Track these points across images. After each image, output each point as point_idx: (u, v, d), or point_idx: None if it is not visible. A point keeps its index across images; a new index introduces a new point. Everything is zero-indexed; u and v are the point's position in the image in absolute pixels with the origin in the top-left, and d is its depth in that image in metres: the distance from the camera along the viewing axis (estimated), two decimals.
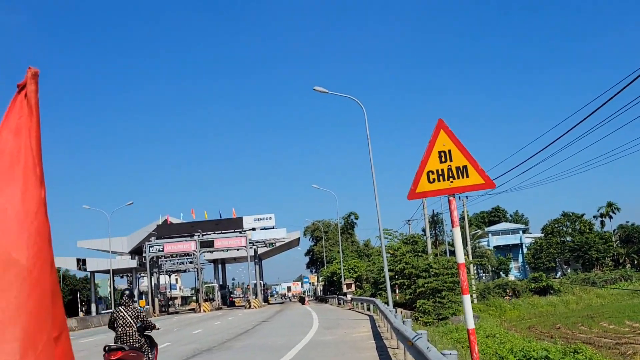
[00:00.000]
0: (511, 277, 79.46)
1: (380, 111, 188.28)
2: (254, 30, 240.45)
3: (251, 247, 72.42)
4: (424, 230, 68.05)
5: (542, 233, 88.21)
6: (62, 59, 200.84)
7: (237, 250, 74.57)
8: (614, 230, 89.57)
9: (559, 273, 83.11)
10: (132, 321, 9.92)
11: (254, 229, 72.79)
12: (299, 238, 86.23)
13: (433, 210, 50.61)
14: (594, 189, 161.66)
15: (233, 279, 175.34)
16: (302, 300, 73.27)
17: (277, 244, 77.27)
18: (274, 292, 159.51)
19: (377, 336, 19.60)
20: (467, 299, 7.19)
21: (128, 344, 9.80)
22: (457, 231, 7.24)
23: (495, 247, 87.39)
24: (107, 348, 9.74)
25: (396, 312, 19.31)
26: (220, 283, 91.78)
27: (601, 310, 48.63)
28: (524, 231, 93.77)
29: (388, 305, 25.11)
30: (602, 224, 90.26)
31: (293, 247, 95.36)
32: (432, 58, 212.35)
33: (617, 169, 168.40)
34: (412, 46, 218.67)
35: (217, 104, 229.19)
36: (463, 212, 62.08)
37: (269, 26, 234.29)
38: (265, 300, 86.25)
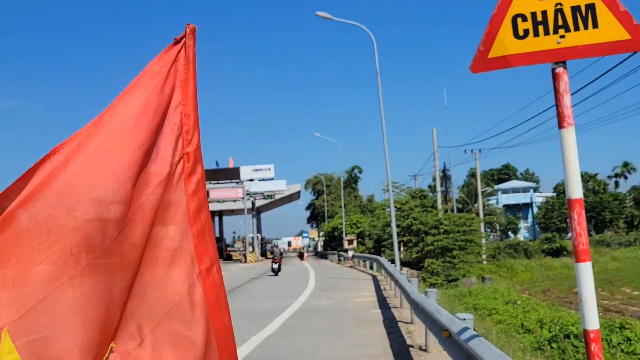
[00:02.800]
0: (520, 237, 76.12)
1: (393, 51, 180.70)
2: None
3: (248, 199, 68.89)
4: (430, 187, 64.53)
5: (554, 192, 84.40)
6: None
7: (234, 202, 70.99)
8: (628, 192, 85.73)
9: (570, 234, 79.50)
10: (277, 250, 37.67)
11: (251, 180, 69.06)
12: (299, 191, 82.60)
13: (444, 163, 46.73)
14: (608, 148, 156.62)
15: (234, 232, 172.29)
16: (300, 256, 70.13)
17: (277, 197, 73.52)
18: (274, 247, 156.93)
19: (383, 303, 16.11)
20: (585, 268, 3.54)
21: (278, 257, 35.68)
22: (570, 134, 3.54)
23: (504, 205, 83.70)
24: (272, 259, 35.80)
25: (406, 274, 15.77)
26: (217, 235, 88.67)
27: (619, 275, 45.24)
28: (535, 190, 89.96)
29: (395, 265, 21.65)
30: (617, 184, 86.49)
31: (294, 201, 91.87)
32: None
33: (634, 127, 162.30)
34: None
35: (214, 43, 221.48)
36: (475, 168, 58.33)
37: None
38: (263, 254, 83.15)
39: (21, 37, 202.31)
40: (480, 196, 55.01)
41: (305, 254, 69.90)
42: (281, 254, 39.82)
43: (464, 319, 5.83)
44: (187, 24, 2.18)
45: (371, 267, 34.12)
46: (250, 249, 70.21)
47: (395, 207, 34.88)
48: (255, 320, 13.43)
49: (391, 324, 11.98)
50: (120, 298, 2.02)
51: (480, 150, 51.29)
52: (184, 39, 2.19)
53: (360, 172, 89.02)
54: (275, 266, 34.68)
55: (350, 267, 41.86)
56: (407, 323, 11.84)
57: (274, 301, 18.07)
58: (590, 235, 71.81)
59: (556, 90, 3.52)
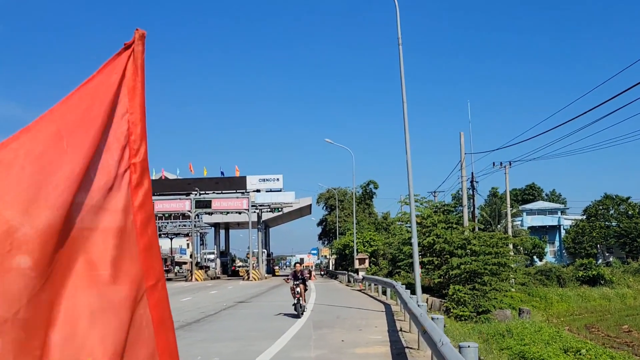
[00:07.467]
0: (547, 263, 69.77)
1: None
2: None
3: (254, 211, 63.39)
4: (450, 205, 58.26)
5: (583, 215, 77.93)
6: None
7: (239, 213, 65.62)
8: None
9: (600, 260, 73.07)
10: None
11: (258, 191, 63.48)
12: (310, 205, 77.01)
13: (472, 173, 40.16)
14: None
15: (248, 248, 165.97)
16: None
17: (285, 210, 67.89)
18: (288, 264, 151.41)
19: (399, 358, 10.46)
20: None
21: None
22: None
23: (529, 227, 77.34)
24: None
25: (442, 319, 10.01)
26: (222, 249, 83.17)
27: None
28: (562, 212, 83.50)
29: (417, 298, 15.98)
30: None
31: (305, 215, 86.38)
32: None
33: None
34: None
35: (220, 50, 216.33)
36: (496, 188, 52.32)
37: None
38: (270, 271, 77.41)
39: None
40: (509, 213, 49.09)
41: (313, 273, 64.21)
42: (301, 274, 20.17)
43: None
44: (136, 29, 2.03)
45: (384, 293, 28.43)
46: (256, 264, 64.73)
47: (416, 221, 29.20)
48: None
49: None
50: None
51: (510, 162, 45.47)
52: (133, 45, 2.03)
53: (375, 188, 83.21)
54: (295, 300, 19.60)
55: (360, 290, 36.23)
56: None
57: (238, 345, 12.43)
58: (626, 262, 65.37)
59: None
